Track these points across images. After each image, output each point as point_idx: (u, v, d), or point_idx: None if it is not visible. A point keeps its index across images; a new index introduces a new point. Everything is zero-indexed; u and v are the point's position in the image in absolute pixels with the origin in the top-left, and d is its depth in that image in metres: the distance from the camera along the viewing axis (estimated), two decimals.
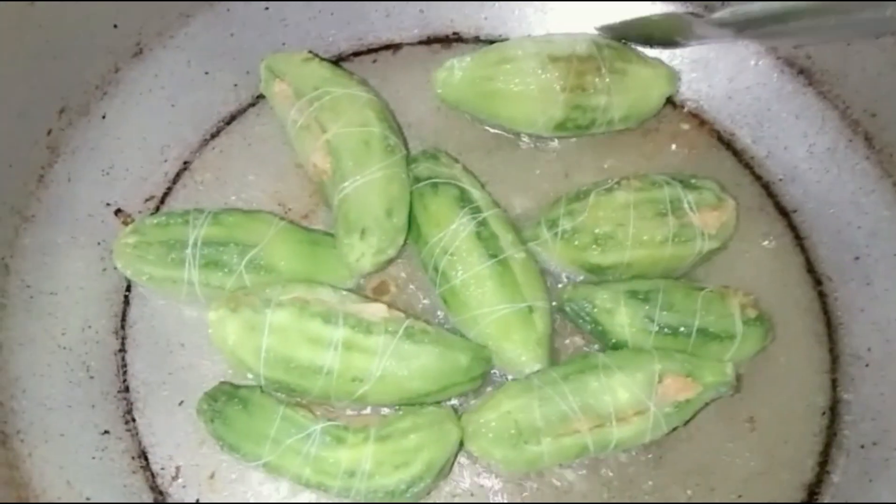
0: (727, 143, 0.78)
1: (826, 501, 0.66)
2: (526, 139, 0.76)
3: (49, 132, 0.70)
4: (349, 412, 0.65)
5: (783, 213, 0.75)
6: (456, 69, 0.73)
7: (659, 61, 0.75)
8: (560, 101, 0.71)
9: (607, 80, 0.71)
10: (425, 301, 0.70)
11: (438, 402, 0.64)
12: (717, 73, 0.78)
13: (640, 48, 0.76)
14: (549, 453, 0.61)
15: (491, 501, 0.65)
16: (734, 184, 0.75)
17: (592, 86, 0.71)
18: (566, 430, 0.61)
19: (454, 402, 0.67)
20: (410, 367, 0.61)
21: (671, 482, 0.66)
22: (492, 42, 0.78)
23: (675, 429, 0.64)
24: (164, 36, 0.75)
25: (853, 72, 0.73)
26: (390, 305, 0.65)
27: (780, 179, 0.76)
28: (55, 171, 0.71)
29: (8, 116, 0.67)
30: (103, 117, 0.73)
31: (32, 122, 0.69)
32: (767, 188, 0.76)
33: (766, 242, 0.74)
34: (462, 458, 0.66)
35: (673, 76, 0.75)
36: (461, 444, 0.63)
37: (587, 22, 0.77)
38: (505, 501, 0.65)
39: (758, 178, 0.76)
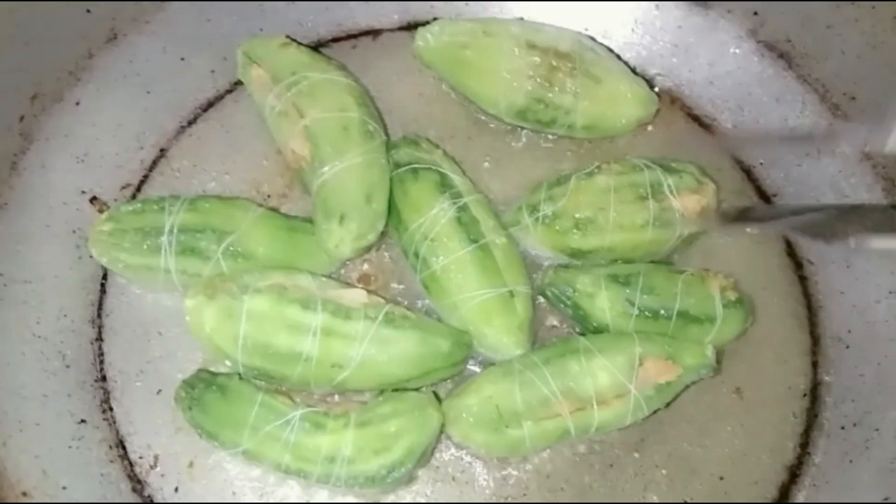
0: (708, 128, 0.77)
1: (807, 482, 0.66)
2: (496, 124, 0.76)
3: (21, 118, 0.69)
4: (329, 399, 0.64)
5: (764, 197, 0.75)
6: (436, 32, 0.72)
7: (643, 82, 0.74)
8: (524, 90, 0.71)
9: (578, 82, 0.71)
10: (405, 287, 0.70)
11: (419, 388, 0.63)
12: (698, 57, 0.78)
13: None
14: (531, 437, 0.61)
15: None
16: (715, 168, 0.74)
17: (560, 84, 0.71)
18: (547, 413, 0.61)
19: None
20: (390, 353, 0.61)
21: (652, 465, 0.66)
22: None
23: (656, 411, 0.64)
24: (139, 21, 0.74)
25: (832, 55, 0.73)
26: (370, 292, 0.64)
27: (761, 164, 0.76)
28: (28, 158, 0.70)
29: None
30: (77, 104, 0.72)
31: (5, 108, 0.68)
32: (748, 173, 0.76)
33: (747, 228, 0.74)
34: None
35: (650, 101, 0.73)
36: (442, 430, 0.62)
37: (568, 9, 0.77)
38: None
39: (738, 162, 0.76)
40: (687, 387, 0.64)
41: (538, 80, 0.71)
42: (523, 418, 0.61)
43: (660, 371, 0.62)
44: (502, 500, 0.64)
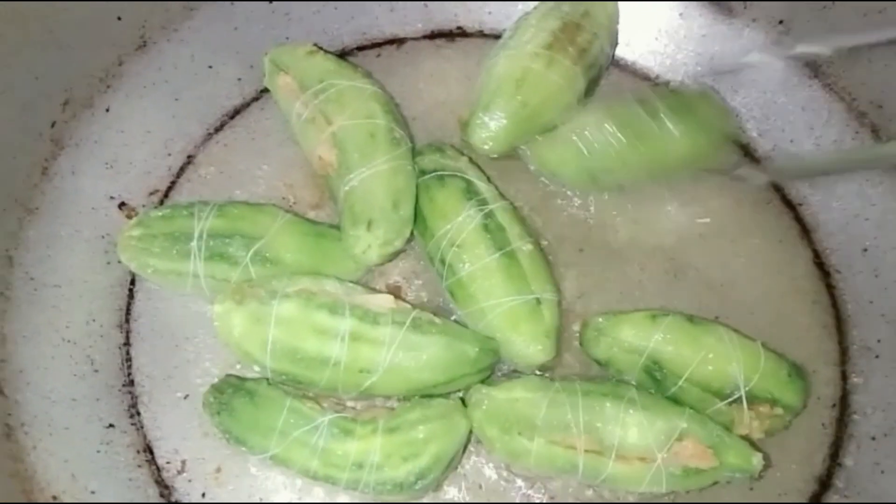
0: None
1: (837, 493, 0.65)
2: None
3: (53, 124, 0.70)
4: (356, 404, 0.64)
5: (790, 206, 0.75)
6: (492, 124, 0.70)
7: None
8: (580, 73, 0.72)
9: (588, 27, 0.73)
10: (431, 294, 0.70)
11: (447, 395, 0.63)
12: (723, 66, 0.78)
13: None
14: (537, 455, 0.60)
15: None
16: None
17: (586, 41, 0.72)
18: (562, 441, 0.60)
19: None
20: (418, 359, 0.60)
21: None
22: (497, 37, 0.77)
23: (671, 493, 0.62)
24: (168, 29, 0.75)
25: (859, 63, 0.73)
26: (397, 298, 0.64)
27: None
28: (59, 163, 0.70)
29: (12, 108, 0.66)
30: (107, 110, 0.73)
31: (36, 113, 0.69)
32: (774, 181, 0.76)
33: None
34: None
35: None
36: (469, 438, 0.62)
37: None
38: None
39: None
40: (715, 483, 0.62)
41: (576, 57, 0.72)
42: (537, 434, 0.60)
43: (695, 455, 0.60)
44: None
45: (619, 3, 0.77)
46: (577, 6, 0.74)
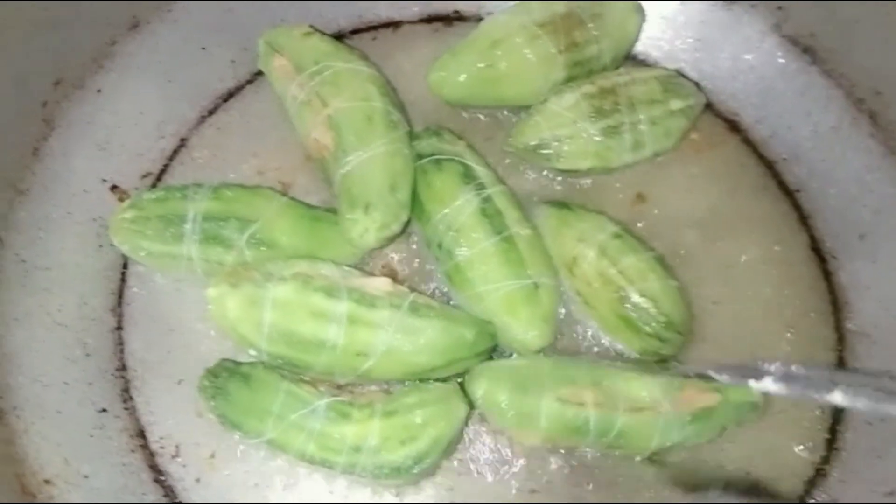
0: (731, 123, 0.77)
1: (834, 478, 0.65)
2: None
3: (45, 104, 0.69)
4: (352, 388, 0.63)
5: (787, 192, 0.75)
6: (452, 68, 0.72)
7: None
8: (560, 63, 0.71)
9: (592, 28, 0.72)
10: (428, 278, 0.69)
11: (444, 379, 0.63)
12: (721, 52, 0.78)
13: None
14: (547, 415, 0.60)
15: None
16: (738, 164, 0.74)
17: (583, 38, 0.72)
18: (571, 397, 0.60)
19: None
20: (415, 342, 0.60)
21: (678, 460, 0.65)
22: None
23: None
24: (162, 9, 0.74)
25: (857, 49, 0.73)
26: (395, 281, 0.64)
27: (785, 159, 0.76)
28: (50, 144, 0.69)
29: (3, 87, 0.65)
30: (99, 91, 0.72)
31: (28, 93, 0.68)
32: (772, 167, 0.76)
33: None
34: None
35: (639, 5, 0.76)
36: (467, 422, 0.62)
37: None
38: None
39: (762, 157, 0.76)
40: (724, 429, 0.63)
41: (565, 48, 0.71)
42: (546, 390, 0.60)
43: (699, 396, 0.61)
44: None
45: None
46: (592, 5, 0.73)
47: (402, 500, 0.63)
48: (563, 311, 0.68)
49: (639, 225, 0.72)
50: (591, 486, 0.64)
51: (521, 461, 0.64)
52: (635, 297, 0.64)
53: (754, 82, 0.77)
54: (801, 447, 0.66)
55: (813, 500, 0.65)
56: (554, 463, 0.64)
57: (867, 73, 0.73)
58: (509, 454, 0.64)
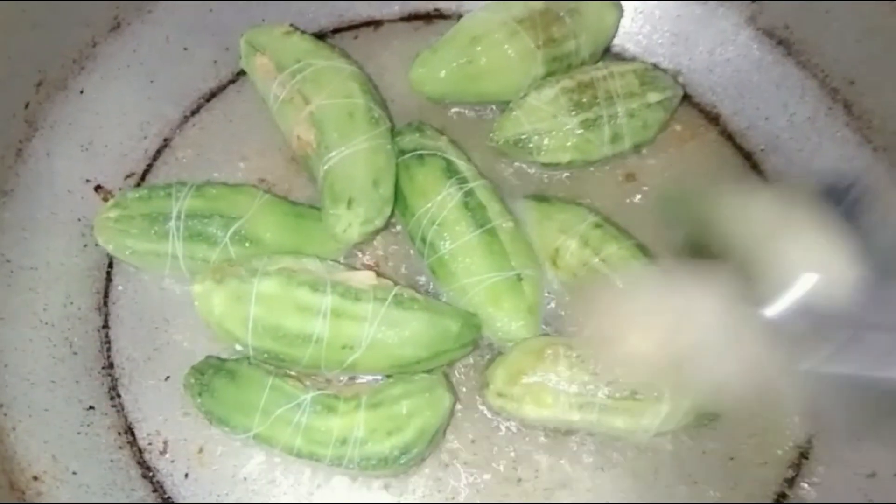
0: (708, 115, 0.78)
1: (817, 462, 0.66)
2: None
3: (27, 106, 0.69)
4: (338, 382, 0.64)
5: (765, 182, 0.75)
6: (432, 65, 0.73)
7: None
8: (539, 59, 0.72)
9: (570, 24, 0.73)
10: (411, 273, 0.70)
11: (430, 371, 0.63)
12: (698, 46, 0.79)
13: None
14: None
15: None
16: (716, 156, 0.75)
17: (561, 34, 0.72)
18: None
19: None
20: (401, 334, 0.60)
21: (662, 445, 0.66)
22: None
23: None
24: (143, 10, 0.74)
25: (831, 40, 0.74)
26: (379, 275, 0.64)
27: (762, 150, 0.77)
28: (33, 145, 0.69)
29: None
30: (81, 92, 0.72)
31: (10, 94, 0.67)
32: (749, 159, 0.77)
33: None
34: None
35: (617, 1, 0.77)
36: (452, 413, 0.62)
37: None
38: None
39: (739, 149, 0.77)
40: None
41: (544, 43, 0.72)
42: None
43: None
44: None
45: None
46: (569, 3, 0.74)
47: (399, 499, 0.63)
48: (552, 304, 0.68)
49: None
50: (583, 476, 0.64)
51: (511, 453, 0.65)
52: (619, 285, 0.64)
53: (731, 75, 0.78)
54: (785, 431, 0.67)
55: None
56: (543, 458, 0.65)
57: (841, 64, 0.74)
58: (496, 450, 0.65)
